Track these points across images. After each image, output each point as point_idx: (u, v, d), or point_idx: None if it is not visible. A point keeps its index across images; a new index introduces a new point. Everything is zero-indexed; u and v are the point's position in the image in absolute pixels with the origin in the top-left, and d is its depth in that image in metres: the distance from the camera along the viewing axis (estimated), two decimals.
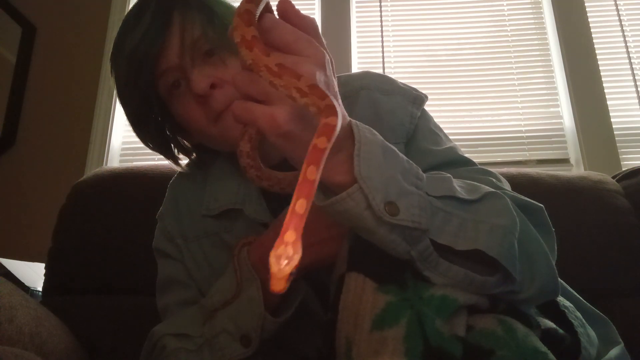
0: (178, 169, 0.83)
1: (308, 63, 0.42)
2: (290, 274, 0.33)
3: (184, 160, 0.83)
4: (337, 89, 0.46)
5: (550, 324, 0.48)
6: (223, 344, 0.59)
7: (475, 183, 0.52)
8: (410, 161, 0.48)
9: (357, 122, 0.47)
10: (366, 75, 0.77)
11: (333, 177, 0.44)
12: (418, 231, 0.44)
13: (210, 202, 0.75)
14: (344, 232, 0.55)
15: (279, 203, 0.71)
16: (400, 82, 0.77)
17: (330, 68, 0.45)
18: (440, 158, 0.66)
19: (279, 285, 0.32)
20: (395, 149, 0.48)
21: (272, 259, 0.33)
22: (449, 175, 0.51)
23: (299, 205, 0.34)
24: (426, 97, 0.75)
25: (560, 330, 0.49)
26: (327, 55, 0.44)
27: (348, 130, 0.45)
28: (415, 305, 0.43)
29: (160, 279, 0.77)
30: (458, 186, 0.49)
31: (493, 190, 0.50)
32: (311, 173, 0.35)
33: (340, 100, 0.46)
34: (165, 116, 0.74)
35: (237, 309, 0.60)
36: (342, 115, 0.41)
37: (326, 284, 0.54)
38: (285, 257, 0.33)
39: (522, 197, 0.54)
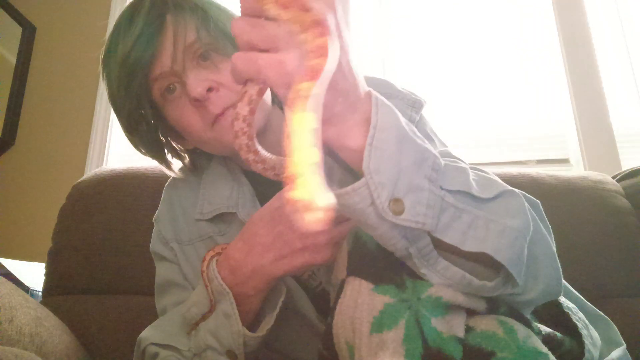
0: (171, 174, 0.82)
1: (315, 1, 0.36)
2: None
3: (178, 165, 0.83)
4: (349, 38, 0.40)
5: (547, 329, 0.48)
6: (211, 358, 0.59)
7: (491, 177, 0.49)
8: (430, 148, 0.44)
9: (379, 96, 0.43)
10: (364, 79, 0.77)
11: (345, 140, 0.41)
12: (420, 230, 0.42)
13: (204, 205, 0.75)
14: (319, 243, 0.55)
15: None
16: (399, 86, 0.76)
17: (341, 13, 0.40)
18: None
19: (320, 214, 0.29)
20: (416, 132, 0.44)
21: (298, 204, 0.29)
22: (466, 165, 0.48)
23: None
24: (425, 101, 0.74)
25: (559, 335, 0.48)
26: None
27: (367, 98, 0.42)
28: (413, 306, 0.42)
29: (158, 282, 0.77)
30: (473, 180, 0.46)
31: (510, 188, 0.47)
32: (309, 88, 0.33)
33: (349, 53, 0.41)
34: (158, 120, 0.74)
35: (215, 324, 0.59)
36: (346, 60, 0.39)
37: (326, 291, 0.53)
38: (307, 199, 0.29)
39: (521, 191, 0.54)
